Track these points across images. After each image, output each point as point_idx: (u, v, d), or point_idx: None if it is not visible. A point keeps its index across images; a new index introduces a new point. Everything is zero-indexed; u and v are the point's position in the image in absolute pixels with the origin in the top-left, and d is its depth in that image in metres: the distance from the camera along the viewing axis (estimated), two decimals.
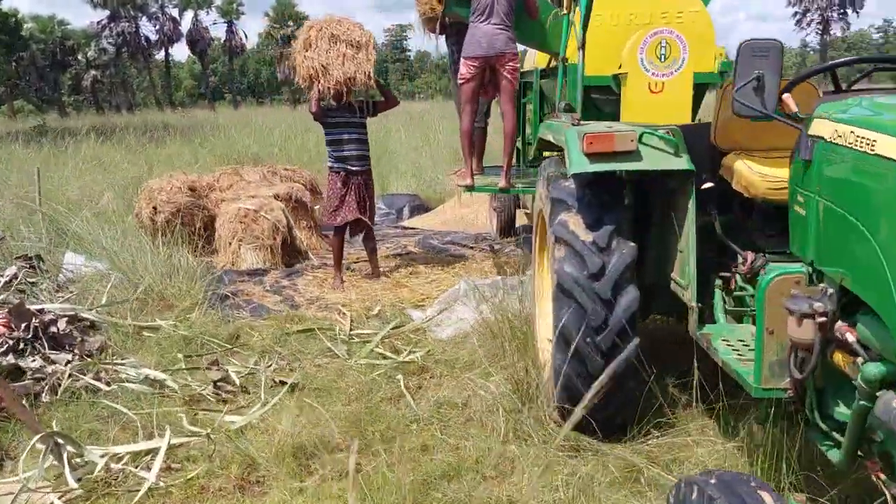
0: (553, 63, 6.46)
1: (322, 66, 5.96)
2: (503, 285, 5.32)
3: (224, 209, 7.52)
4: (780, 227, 3.39)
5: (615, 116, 5.36)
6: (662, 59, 5.09)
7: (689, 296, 3.16)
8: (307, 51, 6.06)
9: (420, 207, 10.09)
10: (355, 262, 7.14)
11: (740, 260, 3.25)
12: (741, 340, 2.96)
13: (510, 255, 6.72)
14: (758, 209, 3.30)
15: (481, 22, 5.33)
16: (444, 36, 6.77)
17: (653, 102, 5.11)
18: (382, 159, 11.64)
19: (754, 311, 3.18)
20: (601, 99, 5.59)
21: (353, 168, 6.31)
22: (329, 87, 5.96)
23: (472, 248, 7.71)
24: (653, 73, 5.09)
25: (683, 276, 3.25)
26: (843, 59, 3.10)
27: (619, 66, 5.44)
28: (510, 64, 5.41)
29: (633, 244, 3.28)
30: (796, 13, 43.89)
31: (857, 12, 42.25)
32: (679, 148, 3.26)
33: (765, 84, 2.56)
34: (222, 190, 8.00)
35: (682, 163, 3.22)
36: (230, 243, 7.25)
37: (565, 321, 3.24)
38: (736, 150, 3.44)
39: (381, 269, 6.66)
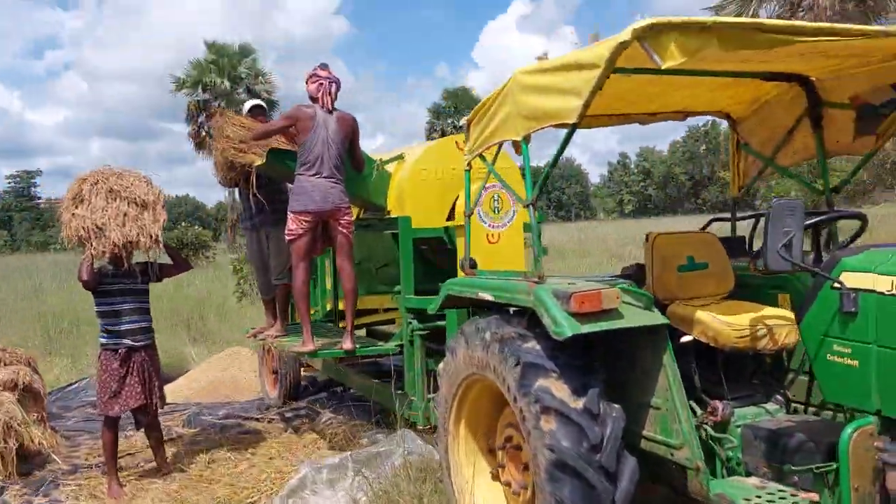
0: (363, 214, 6.17)
1: (95, 226, 4.88)
2: (354, 461, 4.68)
3: None
4: (740, 374, 3.47)
5: (450, 267, 5.23)
6: (496, 212, 5.14)
7: (686, 455, 3.00)
8: (77, 208, 4.95)
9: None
10: (129, 456, 5.77)
11: (709, 409, 3.21)
12: (770, 495, 2.85)
13: (327, 423, 5.96)
14: (721, 357, 3.32)
15: (312, 175, 4.88)
16: (236, 188, 6.09)
17: (491, 252, 5.09)
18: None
19: (739, 460, 3.15)
20: (429, 250, 5.43)
21: (135, 343, 5.18)
22: (103, 251, 4.89)
23: (258, 419, 6.75)
24: (489, 225, 5.10)
25: (669, 434, 3.09)
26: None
27: (449, 219, 5.38)
28: (346, 217, 5.00)
29: (618, 406, 3.05)
30: None
31: None
32: (649, 302, 3.17)
33: (793, 240, 2.61)
34: None
35: (660, 317, 3.13)
36: None
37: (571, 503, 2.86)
38: (674, 299, 3.47)
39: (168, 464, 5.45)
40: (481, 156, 3.91)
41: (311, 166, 4.87)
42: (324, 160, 4.88)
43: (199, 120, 37.43)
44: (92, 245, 4.89)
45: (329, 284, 6.60)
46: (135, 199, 5.02)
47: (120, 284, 5.14)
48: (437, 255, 5.40)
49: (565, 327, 2.92)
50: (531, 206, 3.36)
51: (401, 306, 5.24)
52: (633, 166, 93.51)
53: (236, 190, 6.61)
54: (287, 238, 4.95)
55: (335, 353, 5.03)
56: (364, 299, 6.34)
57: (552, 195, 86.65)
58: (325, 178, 4.89)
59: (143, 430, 5.52)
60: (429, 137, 49.56)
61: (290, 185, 5.29)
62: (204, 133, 37.31)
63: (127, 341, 5.14)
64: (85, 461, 5.88)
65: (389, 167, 5.56)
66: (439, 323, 5.28)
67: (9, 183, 74.59)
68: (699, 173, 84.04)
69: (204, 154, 37.72)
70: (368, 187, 5.47)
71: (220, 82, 36.39)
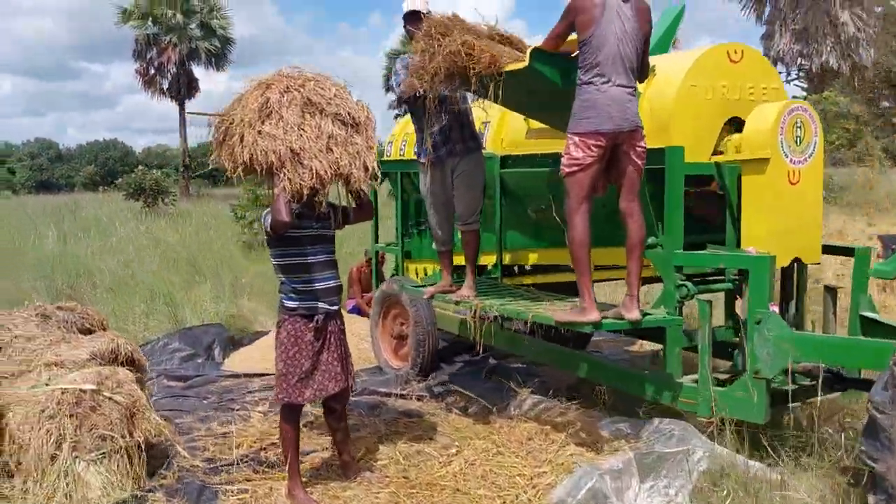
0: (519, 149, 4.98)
1: (291, 150, 3.55)
2: (640, 464, 3.63)
3: (17, 398, 4.22)
4: None
5: (718, 217, 4.15)
6: (798, 142, 4.04)
7: None
8: (263, 123, 3.58)
9: (231, 341, 7.35)
10: (272, 446, 4.55)
11: None
12: None
13: (519, 405, 4.76)
14: None
15: (604, 82, 3.64)
16: (407, 109, 4.78)
17: (792, 196, 4.02)
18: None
19: None
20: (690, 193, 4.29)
21: (331, 308, 3.92)
22: (300, 185, 3.56)
23: (403, 395, 5.56)
24: (792, 160, 4.01)
25: None
26: None
27: (717, 151, 4.27)
28: (642, 143, 3.79)
29: None
30: (396, 115, 47.52)
31: None
32: None
33: None
34: None
35: None
36: (51, 459, 4.02)
37: None
38: None
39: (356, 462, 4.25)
40: None
41: (602, 70, 3.64)
42: (619, 62, 3.65)
43: (149, 56, 34.65)
44: (287, 176, 3.57)
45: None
46: (342, 116, 3.68)
47: (311, 230, 3.84)
48: (696, 200, 4.26)
49: None
50: None
51: (662, 264, 4.12)
52: None
53: (407, 114, 5.30)
54: (567, 170, 3.70)
55: (621, 326, 3.87)
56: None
57: None
58: (620, 86, 3.67)
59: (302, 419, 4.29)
60: (386, 85, 47.43)
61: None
62: (154, 70, 34.64)
63: (323, 304, 3.86)
64: (219, 456, 4.62)
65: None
66: (716, 286, 4.22)
67: None
68: None
69: (153, 92, 35.10)
70: None
71: (171, 15, 33.56)
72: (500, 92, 3.79)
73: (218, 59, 35.41)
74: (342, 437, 4.15)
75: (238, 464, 4.41)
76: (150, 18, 33.61)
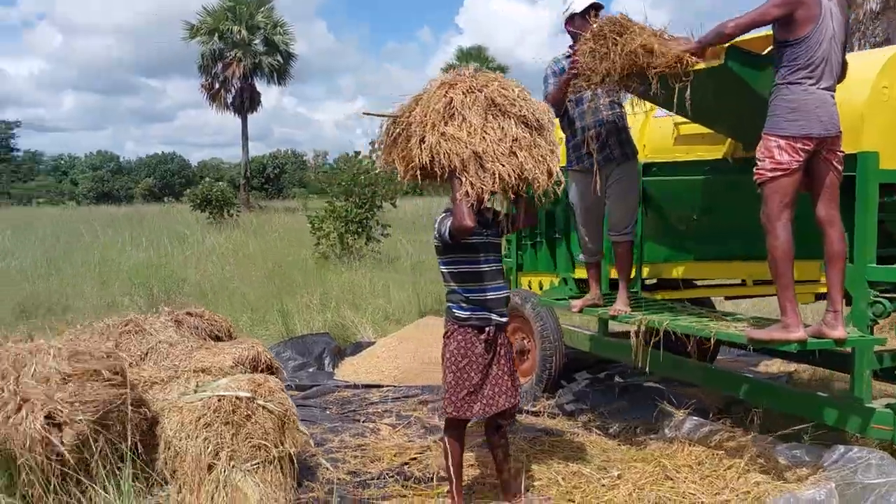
0: (736, 153, 4.73)
1: (475, 153, 3.41)
2: (842, 495, 3.37)
3: (171, 405, 4.14)
4: None
5: None
6: None
7: None
8: (446, 125, 3.45)
9: (338, 351, 7.26)
10: (414, 461, 4.38)
11: None
12: None
13: (677, 426, 4.52)
14: None
15: (812, 84, 3.43)
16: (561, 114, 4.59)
17: None
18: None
19: None
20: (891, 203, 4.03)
21: (501, 319, 3.75)
22: (483, 190, 3.41)
23: (534, 413, 5.37)
24: None
25: None
26: None
27: None
28: (841, 149, 3.57)
29: None
30: None
31: None
32: None
33: None
34: (135, 362, 4.52)
35: None
36: (207, 468, 3.91)
37: None
38: None
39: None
40: None
41: (813, 72, 3.41)
42: (828, 64, 3.43)
43: (214, 70, 35.32)
44: (469, 180, 3.42)
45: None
46: (526, 118, 3.53)
47: (483, 236, 3.68)
48: (888, 211, 3.98)
49: None
50: None
51: (853, 279, 3.84)
52: None
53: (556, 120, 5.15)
54: (768, 174, 3.46)
55: (825, 345, 3.60)
56: (723, 265, 4.98)
57: None
58: (826, 89, 3.45)
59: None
60: None
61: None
62: (218, 85, 35.24)
63: (494, 316, 3.69)
64: (362, 469, 4.48)
65: None
66: None
67: None
68: None
69: (217, 106, 35.71)
70: None
71: (237, 30, 34.21)
72: (686, 94, 3.59)
73: (280, 74, 35.95)
74: (503, 456, 3.96)
75: (385, 477, 4.27)
76: (217, 34, 34.28)
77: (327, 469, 4.45)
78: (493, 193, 3.48)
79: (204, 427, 4.00)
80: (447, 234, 3.53)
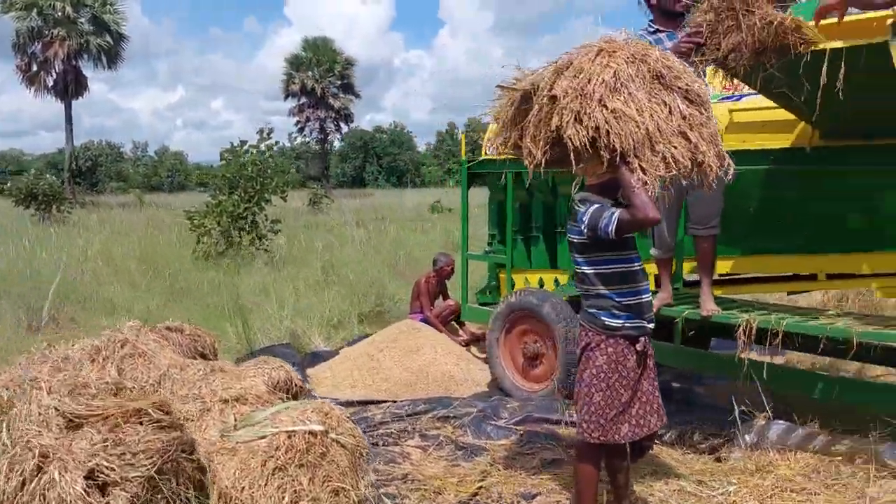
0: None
1: (647, 131, 2.91)
2: None
3: (220, 447, 3.25)
4: None
5: None
6: None
7: None
8: (613, 99, 2.90)
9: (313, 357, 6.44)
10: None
11: None
12: None
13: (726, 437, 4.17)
14: None
15: None
16: None
17: None
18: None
19: None
20: None
21: (650, 325, 3.26)
22: (654, 176, 2.93)
23: (567, 422, 4.92)
24: None
25: None
26: None
27: None
28: None
29: None
30: (298, 122, 46.19)
31: (349, 125, 48.22)
32: None
33: None
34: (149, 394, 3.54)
35: None
36: None
37: None
38: None
39: None
40: None
41: None
42: None
43: (32, 50, 31.62)
44: (640, 165, 2.91)
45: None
46: (689, 93, 3.05)
47: (631, 234, 3.18)
48: None
49: None
50: None
51: None
52: (459, 136, 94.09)
53: None
54: None
55: None
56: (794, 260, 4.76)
57: (384, 161, 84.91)
58: None
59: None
60: (286, 90, 45.85)
61: None
62: (37, 66, 31.54)
63: (646, 324, 3.20)
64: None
65: None
66: None
67: None
68: None
69: (35, 89, 31.95)
70: None
71: (60, 6, 30.83)
72: (838, 75, 3.28)
73: (110, 57, 32.89)
74: (625, 481, 3.47)
75: None
76: (35, 9, 30.73)
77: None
78: (662, 180, 2.99)
79: (275, 472, 3.19)
80: (612, 228, 2.99)
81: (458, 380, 5.92)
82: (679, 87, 3.03)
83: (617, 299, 3.13)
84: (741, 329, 3.88)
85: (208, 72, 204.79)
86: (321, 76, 44.73)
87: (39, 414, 3.06)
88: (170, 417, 3.01)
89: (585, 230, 3.09)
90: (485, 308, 6.44)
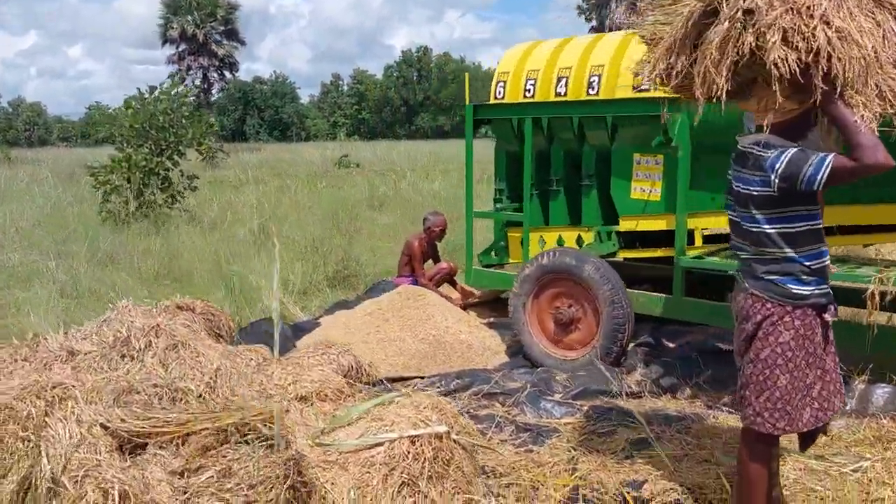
0: None
1: (869, 58, 2.40)
2: None
3: (322, 459, 2.54)
4: None
5: None
6: None
7: None
8: (839, 11, 2.36)
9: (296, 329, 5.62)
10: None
11: None
12: None
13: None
14: None
15: None
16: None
17: None
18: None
19: None
20: None
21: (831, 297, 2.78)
22: (873, 113, 2.43)
23: (637, 395, 4.46)
24: None
25: None
26: None
27: None
28: None
29: None
30: (179, 70, 43.08)
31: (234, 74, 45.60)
32: None
33: None
34: (206, 394, 2.75)
35: None
36: None
37: None
38: None
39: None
40: None
41: None
42: None
43: None
44: (860, 99, 2.40)
45: None
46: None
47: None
48: None
49: None
50: None
51: None
52: (345, 88, 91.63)
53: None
54: None
55: None
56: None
57: (265, 113, 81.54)
58: None
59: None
60: (164, 36, 42.64)
61: None
62: None
63: (830, 291, 2.72)
64: None
65: None
66: None
67: None
68: (413, 98, 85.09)
69: None
70: None
71: None
72: None
73: None
74: (777, 468, 3.04)
75: None
76: None
77: None
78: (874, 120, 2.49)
79: (402, 488, 2.53)
80: (823, 176, 2.46)
81: (476, 348, 5.34)
82: (892, 4, 2.53)
83: (806, 263, 2.62)
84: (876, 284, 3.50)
85: (64, 15, 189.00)
86: (202, 20, 41.82)
87: (81, 435, 2.26)
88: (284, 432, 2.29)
89: (776, 180, 2.54)
90: (496, 271, 5.87)
